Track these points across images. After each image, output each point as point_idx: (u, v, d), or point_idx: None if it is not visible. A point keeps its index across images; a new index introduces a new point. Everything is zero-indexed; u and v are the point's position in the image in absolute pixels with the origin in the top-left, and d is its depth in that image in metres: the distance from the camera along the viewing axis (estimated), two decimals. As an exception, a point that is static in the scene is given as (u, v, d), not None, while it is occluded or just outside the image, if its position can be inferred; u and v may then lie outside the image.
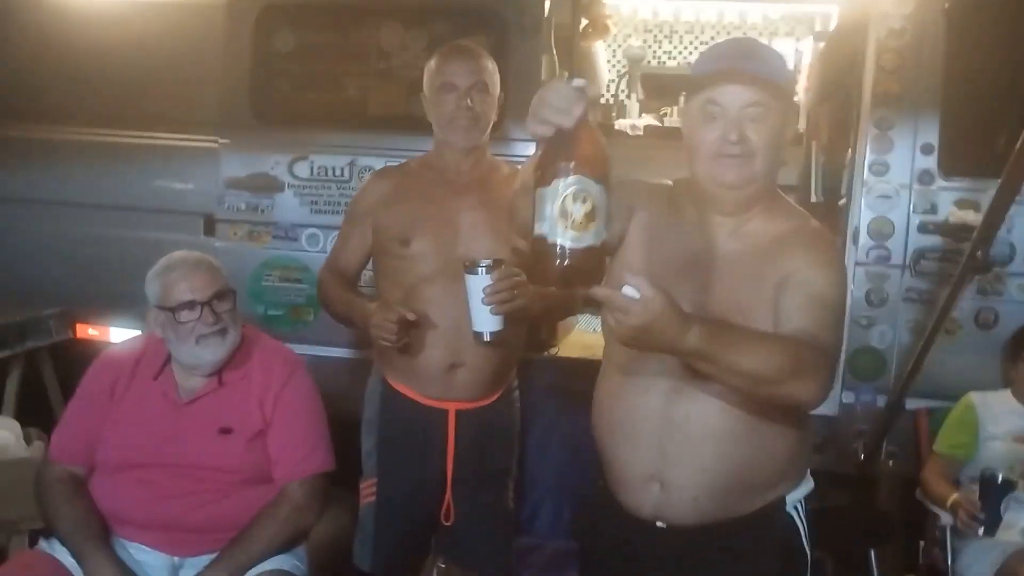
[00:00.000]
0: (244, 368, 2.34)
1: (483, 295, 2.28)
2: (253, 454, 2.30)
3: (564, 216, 1.48)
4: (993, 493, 2.76)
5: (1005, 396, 3.12)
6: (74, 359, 3.09)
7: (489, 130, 2.55)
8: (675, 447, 1.77)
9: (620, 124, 4.64)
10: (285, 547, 2.28)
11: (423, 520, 2.55)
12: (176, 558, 2.28)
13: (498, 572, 2.64)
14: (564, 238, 1.49)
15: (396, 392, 2.55)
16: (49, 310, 3.61)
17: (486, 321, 2.31)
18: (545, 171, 1.51)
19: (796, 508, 1.88)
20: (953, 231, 3.29)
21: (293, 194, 3.63)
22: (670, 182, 1.94)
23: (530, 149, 3.60)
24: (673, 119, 5.02)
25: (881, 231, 3.33)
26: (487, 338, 2.33)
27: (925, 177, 3.31)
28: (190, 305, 2.25)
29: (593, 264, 1.52)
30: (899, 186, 3.32)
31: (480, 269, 2.28)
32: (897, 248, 3.33)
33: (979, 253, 2.66)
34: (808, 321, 1.69)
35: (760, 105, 1.73)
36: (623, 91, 5.11)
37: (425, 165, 2.59)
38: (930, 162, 3.30)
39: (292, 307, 3.59)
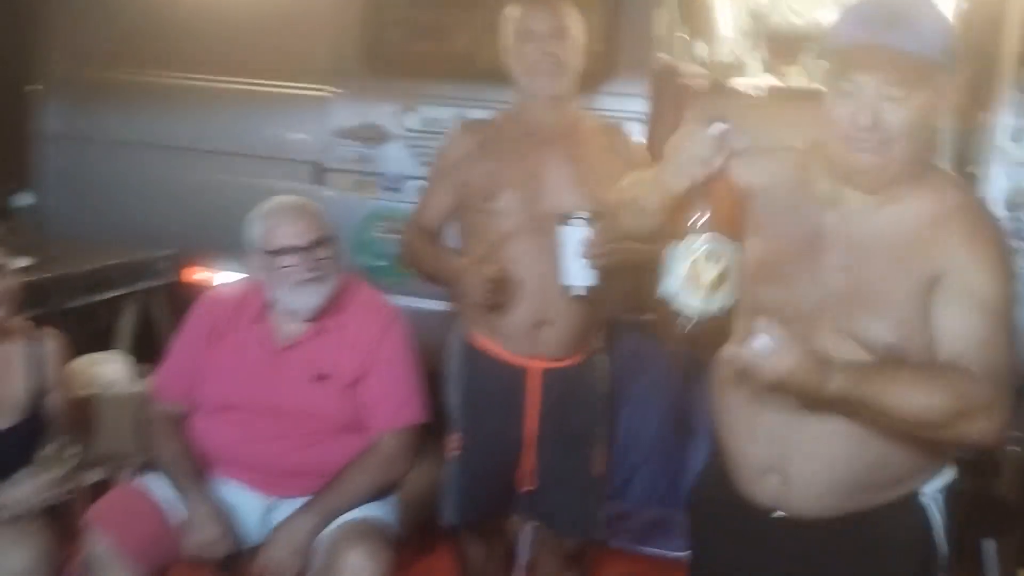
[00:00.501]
0: (342, 316, 2.33)
1: (579, 248, 2.22)
2: (347, 402, 2.30)
3: (694, 277, 1.44)
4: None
5: None
6: (184, 300, 3.14)
7: (574, 79, 2.46)
8: (800, 440, 1.61)
9: (740, 84, 4.47)
10: (376, 496, 2.29)
11: (505, 480, 2.52)
12: (270, 499, 2.31)
13: (585, 537, 2.59)
14: (693, 300, 1.45)
15: (480, 348, 2.51)
16: (161, 252, 3.69)
17: (581, 275, 2.25)
18: (677, 225, 1.46)
19: (934, 500, 1.70)
20: (1098, 204, 3.06)
21: (401, 145, 3.60)
22: (799, 145, 1.74)
23: (637, 104, 3.52)
24: (795, 79, 4.83)
25: (1018, 202, 3.12)
26: (581, 292, 2.27)
27: (1071, 145, 3.09)
28: (290, 250, 2.25)
29: (723, 326, 1.47)
30: (1040, 153, 3.11)
31: (578, 221, 2.22)
32: (1034, 219, 3.12)
33: None
34: (975, 338, 1.49)
35: (904, 86, 1.48)
36: (746, 49, 4.92)
37: (510, 119, 2.54)
38: (1077, 128, 3.08)
39: (396, 259, 3.57)
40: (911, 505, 1.68)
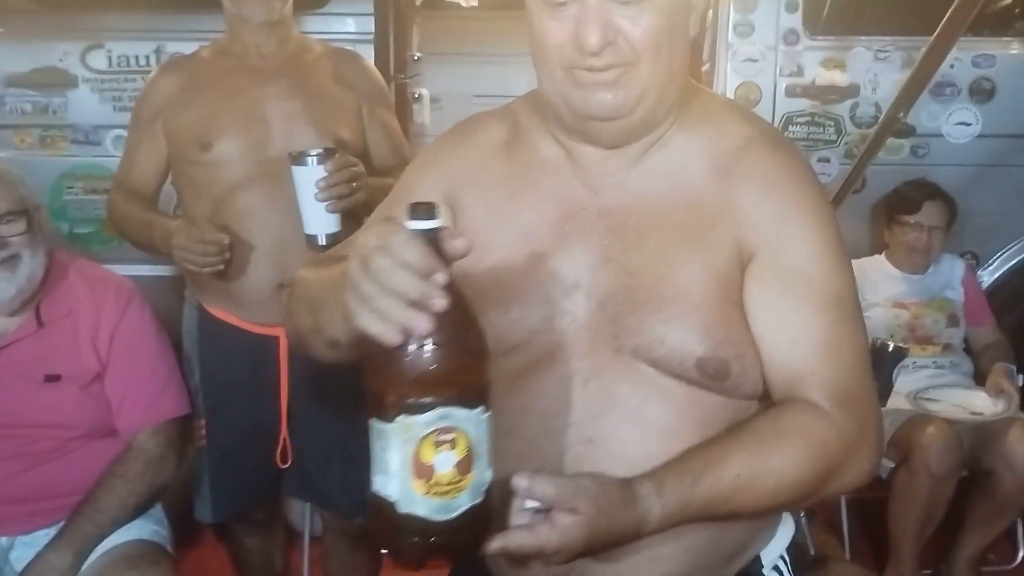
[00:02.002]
0: (68, 302, 1.94)
1: (316, 190, 1.95)
2: (90, 403, 1.92)
3: (421, 474, 0.90)
4: (885, 363, 2.69)
5: (879, 261, 3.07)
6: None
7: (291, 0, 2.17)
8: None
9: (451, -5, 4.28)
10: (141, 509, 1.94)
11: (264, 465, 2.24)
12: (4, 538, 1.91)
13: (360, 510, 2.36)
14: (424, 507, 0.90)
15: (216, 319, 2.21)
16: None
17: (320, 221, 1.99)
18: (383, 395, 0.90)
19: (777, 567, 1.25)
20: (820, 93, 3.17)
21: (90, 90, 3.12)
22: (506, 109, 1.26)
23: (359, 24, 3.23)
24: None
25: (749, 97, 3.17)
26: (323, 241, 2.01)
27: (791, 37, 3.16)
28: None
29: (477, 526, 0.94)
30: (765, 48, 3.16)
31: (309, 159, 1.96)
32: (765, 114, 3.17)
33: (901, 115, 2.49)
34: (817, 341, 1.08)
35: None
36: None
37: (221, 51, 2.22)
38: (795, 21, 3.15)
39: (103, 222, 3.10)
40: None
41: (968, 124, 3.20)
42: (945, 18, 2.22)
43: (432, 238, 0.88)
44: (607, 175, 1.15)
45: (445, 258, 0.88)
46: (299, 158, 1.96)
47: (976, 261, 3.29)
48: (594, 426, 1.11)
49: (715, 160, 1.13)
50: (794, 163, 1.15)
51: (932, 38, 2.32)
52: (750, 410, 1.13)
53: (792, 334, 1.09)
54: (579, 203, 1.15)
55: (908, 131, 3.11)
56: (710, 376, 1.09)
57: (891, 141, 3.02)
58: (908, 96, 2.47)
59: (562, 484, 0.98)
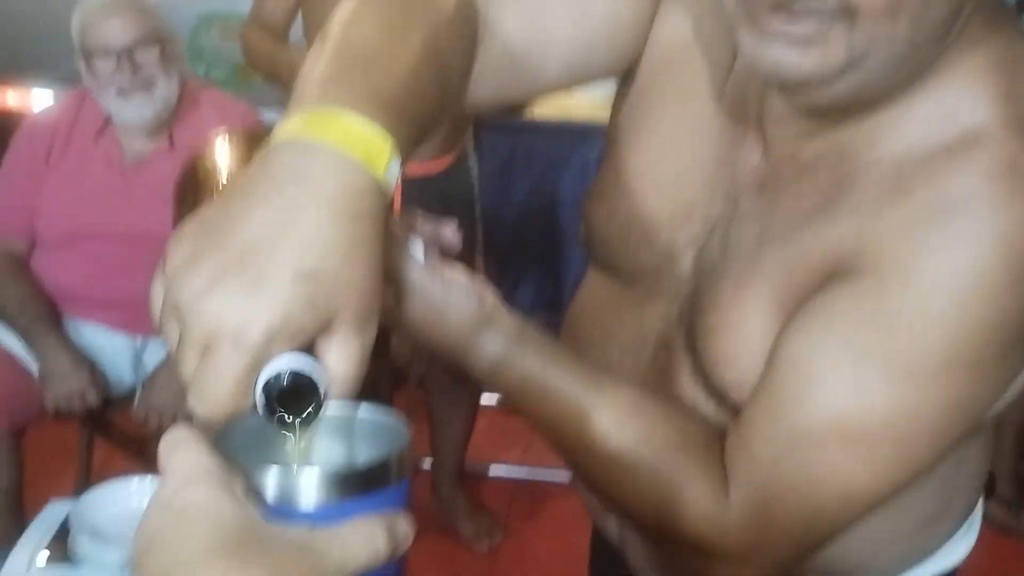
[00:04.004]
0: (199, 127, 2.05)
1: None
2: (216, 223, 2.05)
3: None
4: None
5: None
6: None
7: None
8: None
9: None
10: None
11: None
12: (139, 338, 2.08)
13: None
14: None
15: None
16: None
17: None
18: None
19: None
20: None
21: (232, -67, 3.20)
22: None
23: None
24: None
25: None
26: None
27: None
28: (105, 52, 1.95)
29: None
30: None
31: None
32: None
33: None
34: (801, 423, 0.70)
35: None
36: None
37: None
38: None
39: (237, 67, 3.22)
40: None
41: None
42: None
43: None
44: (785, 129, 0.76)
45: None
46: None
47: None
48: None
49: (908, 151, 0.69)
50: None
51: None
52: None
53: (796, 415, 0.70)
54: (746, 139, 0.80)
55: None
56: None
57: None
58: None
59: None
